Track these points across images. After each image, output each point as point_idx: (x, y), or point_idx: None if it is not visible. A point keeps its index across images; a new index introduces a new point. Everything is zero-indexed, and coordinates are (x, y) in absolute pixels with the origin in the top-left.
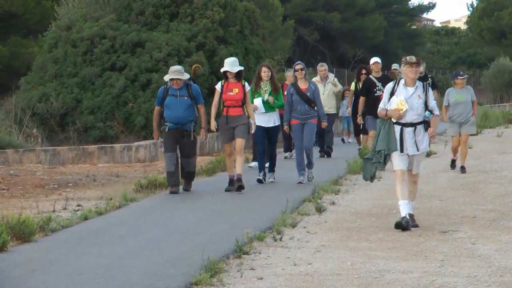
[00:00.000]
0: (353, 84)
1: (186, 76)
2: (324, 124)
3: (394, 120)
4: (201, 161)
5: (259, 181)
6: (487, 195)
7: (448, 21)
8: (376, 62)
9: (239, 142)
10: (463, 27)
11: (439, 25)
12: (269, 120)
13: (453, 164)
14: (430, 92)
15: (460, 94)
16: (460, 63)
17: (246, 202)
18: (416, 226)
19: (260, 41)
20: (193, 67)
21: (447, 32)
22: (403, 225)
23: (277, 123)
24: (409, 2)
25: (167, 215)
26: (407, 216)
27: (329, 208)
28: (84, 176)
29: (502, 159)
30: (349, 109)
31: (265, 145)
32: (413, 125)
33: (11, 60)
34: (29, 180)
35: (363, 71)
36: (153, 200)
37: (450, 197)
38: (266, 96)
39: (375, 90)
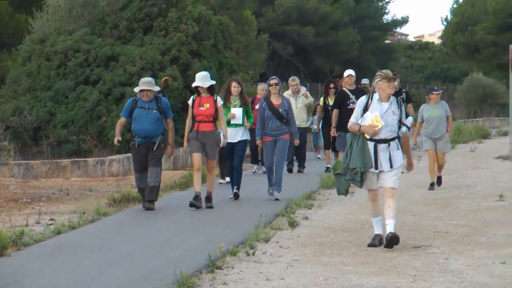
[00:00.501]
0: (321, 99)
1: (157, 88)
2: (297, 142)
3: (367, 136)
4: (174, 175)
5: (235, 195)
6: (460, 210)
7: (422, 36)
8: (350, 75)
9: (210, 163)
10: (437, 41)
11: (413, 39)
12: (236, 134)
13: (431, 186)
14: (404, 107)
15: (434, 109)
16: (434, 77)
17: (220, 217)
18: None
19: (234, 55)
20: (162, 79)
21: (421, 46)
22: (376, 245)
23: (244, 137)
24: (383, 17)
25: (140, 229)
26: (381, 234)
27: (302, 222)
28: (57, 190)
29: (475, 174)
30: (319, 126)
31: (233, 160)
32: (386, 141)
33: None
34: (2, 194)
35: (331, 86)
36: (126, 214)
37: (423, 212)
38: (241, 109)
39: (348, 102)
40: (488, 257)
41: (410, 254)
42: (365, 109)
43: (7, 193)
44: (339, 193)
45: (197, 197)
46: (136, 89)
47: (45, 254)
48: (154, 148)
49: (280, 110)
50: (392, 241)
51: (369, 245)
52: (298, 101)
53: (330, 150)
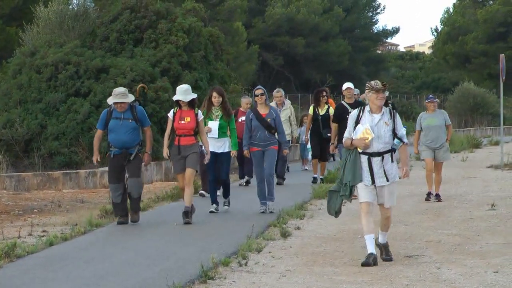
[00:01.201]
0: (311, 108)
1: (131, 98)
2: (286, 152)
3: (360, 150)
4: (166, 187)
5: (212, 212)
6: (452, 220)
7: (413, 46)
8: (348, 88)
9: (189, 172)
10: (428, 51)
11: (404, 49)
12: (220, 146)
13: (428, 196)
14: (398, 118)
15: (432, 118)
16: (424, 87)
17: (212, 227)
18: (390, 259)
19: (224, 66)
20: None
21: (412, 56)
22: (370, 264)
23: (228, 149)
24: (373, 27)
25: (132, 241)
26: (374, 253)
27: (294, 232)
28: (49, 202)
29: (467, 184)
30: (307, 137)
31: (215, 173)
32: (380, 154)
33: None
34: None
35: (324, 93)
36: (118, 225)
37: (415, 222)
38: (217, 122)
39: (347, 117)
40: (481, 266)
41: (402, 263)
42: (357, 122)
43: None
44: (330, 212)
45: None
46: (110, 101)
47: (37, 265)
48: (131, 158)
49: (268, 120)
50: (381, 253)
51: (363, 264)
52: (282, 114)
53: (318, 160)
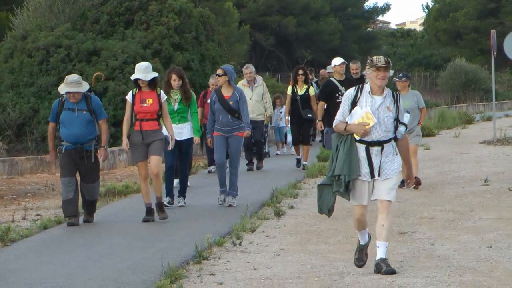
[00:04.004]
0: (289, 88)
1: (85, 87)
2: (247, 133)
3: (356, 137)
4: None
5: (165, 206)
6: (445, 196)
7: (404, 23)
8: (343, 63)
9: (155, 160)
10: (419, 28)
11: (395, 27)
12: (180, 132)
13: (402, 184)
14: (402, 103)
15: (403, 100)
16: (416, 64)
17: (206, 208)
18: (393, 272)
19: (216, 47)
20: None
21: (403, 34)
22: (363, 260)
23: (191, 135)
24: (364, 5)
25: (126, 224)
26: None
27: (288, 212)
28: (43, 186)
29: (460, 160)
30: (287, 117)
31: (174, 160)
32: (380, 143)
33: None
34: None
35: (300, 72)
36: (112, 208)
37: (409, 199)
38: (176, 106)
39: (337, 95)
40: (474, 241)
41: (396, 240)
42: (354, 103)
43: None
44: (321, 211)
45: (150, 211)
46: (61, 90)
47: (32, 249)
48: (92, 160)
49: (231, 102)
50: (380, 269)
51: (358, 265)
52: (255, 91)
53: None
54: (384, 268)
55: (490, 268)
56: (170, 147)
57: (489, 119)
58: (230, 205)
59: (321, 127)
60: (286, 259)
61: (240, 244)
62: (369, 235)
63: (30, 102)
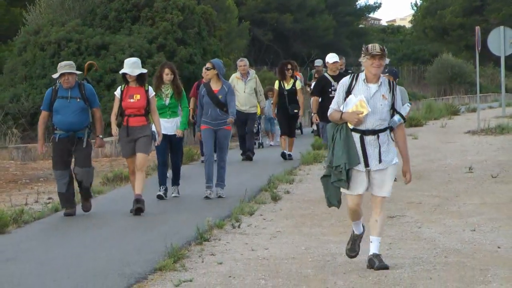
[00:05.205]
0: (276, 83)
1: (78, 71)
2: (231, 120)
3: (351, 126)
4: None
5: (159, 197)
6: (432, 182)
7: (394, 20)
8: (335, 62)
9: (140, 158)
10: (408, 25)
11: (386, 24)
12: (171, 127)
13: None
14: (398, 91)
15: None
16: (405, 59)
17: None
18: (386, 267)
19: (217, 42)
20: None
21: (393, 30)
22: (356, 251)
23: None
24: (357, 3)
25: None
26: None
27: (284, 196)
28: None
29: (446, 148)
30: (274, 112)
31: (166, 155)
32: (375, 132)
33: None
34: (2, 176)
35: (289, 66)
36: (119, 192)
37: (397, 185)
38: (167, 101)
39: (330, 90)
40: (459, 225)
41: (385, 224)
42: (349, 92)
43: (7, 175)
44: (329, 204)
45: (138, 201)
46: (55, 75)
47: (43, 231)
48: (84, 146)
49: (220, 96)
50: (373, 264)
51: (349, 255)
52: (248, 84)
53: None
54: (377, 263)
55: (473, 250)
56: (157, 143)
57: (473, 110)
58: (219, 196)
59: (316, 120)
60: (282, 241)
61: (239, 226)
62: (363, 226)
63: (43, 93)
